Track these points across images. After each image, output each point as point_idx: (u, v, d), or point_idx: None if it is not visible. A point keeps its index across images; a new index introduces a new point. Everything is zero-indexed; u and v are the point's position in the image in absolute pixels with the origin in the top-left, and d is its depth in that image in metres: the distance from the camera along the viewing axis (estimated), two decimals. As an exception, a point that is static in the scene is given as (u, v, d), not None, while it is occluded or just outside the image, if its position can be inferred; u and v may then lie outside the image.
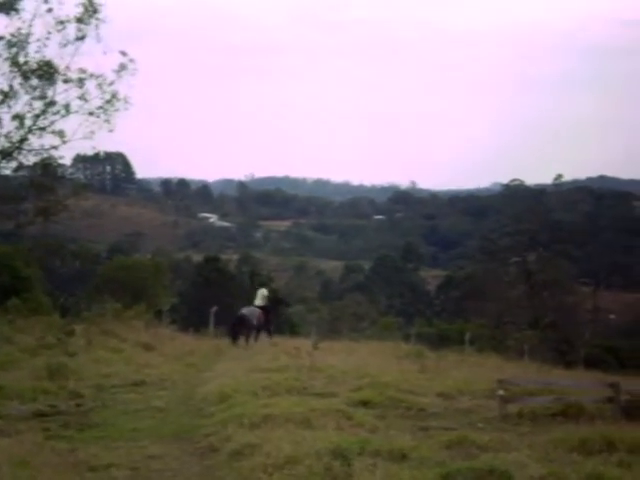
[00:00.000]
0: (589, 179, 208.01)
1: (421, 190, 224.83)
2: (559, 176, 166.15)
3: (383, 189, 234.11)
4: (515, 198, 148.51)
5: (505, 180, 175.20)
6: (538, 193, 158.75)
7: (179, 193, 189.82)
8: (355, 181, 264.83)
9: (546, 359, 38.45)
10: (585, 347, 49.58)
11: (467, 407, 15.33)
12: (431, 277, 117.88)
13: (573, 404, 14.76)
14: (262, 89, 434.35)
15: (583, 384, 17.98)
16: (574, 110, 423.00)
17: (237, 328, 28.48)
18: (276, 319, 33.01)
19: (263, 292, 31.31)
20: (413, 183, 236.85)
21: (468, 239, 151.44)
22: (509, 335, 52.14)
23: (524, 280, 69.04)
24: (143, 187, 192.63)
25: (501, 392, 14.54)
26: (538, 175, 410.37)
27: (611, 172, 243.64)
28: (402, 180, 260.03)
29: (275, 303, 32.63)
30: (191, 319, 37.94)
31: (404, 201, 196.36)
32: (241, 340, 27.86)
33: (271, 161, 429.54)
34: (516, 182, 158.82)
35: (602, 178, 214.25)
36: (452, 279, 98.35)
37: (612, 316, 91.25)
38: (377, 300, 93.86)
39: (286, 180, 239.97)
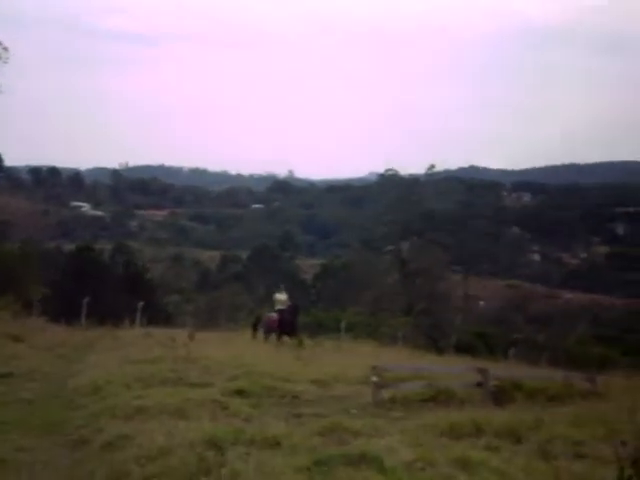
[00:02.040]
0: (460, 169, 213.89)
1: (299, 179, 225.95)
2: (432, 166, 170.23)
3: (261, 178, 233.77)
4: (390, 188, 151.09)
5: (381, 170, 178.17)
6: (412, 183, 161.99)
7: (49, 181, 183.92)
8: (233, 170, 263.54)
9: (419, 345, 39.38)
10: (456, 333, 51.00)
11: (341, 394, 15.49)
12: (308, 266, 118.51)
13: (444, 389, 15.14)
14: (134, 77, 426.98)
15: (453, 370, 18.47)
16: (443, 102, 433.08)
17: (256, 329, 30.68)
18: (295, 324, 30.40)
19: (277, 297, 30.52)
20: (291, 172, 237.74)
21: (345, 228, 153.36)
22: (384, 322, 53.06)
23: (398, 268, 70.41)
24: (11, 175, 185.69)
25: (375, 378, 14.74)
26: (412, 165, 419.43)
27: (481, 162, 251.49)
28: (280, 169, 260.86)
29: (294, 307, 30.53)
30: (63, 310, 36.83)
31: (282, 190, 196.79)
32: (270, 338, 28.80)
33: (146, 150, 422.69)
34: (391, 172, 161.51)
35: (472, 168, 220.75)
36: (329, 268, 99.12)
37: (482, 302, 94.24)
38: (255, 290, 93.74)
39: (162, 169, 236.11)
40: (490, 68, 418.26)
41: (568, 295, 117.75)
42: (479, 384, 15.56)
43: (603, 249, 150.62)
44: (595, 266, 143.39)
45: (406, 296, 63.82)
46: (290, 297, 30.96)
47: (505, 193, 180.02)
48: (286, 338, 28.38)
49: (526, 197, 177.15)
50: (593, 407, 13.18)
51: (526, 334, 61.83)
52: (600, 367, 27.01)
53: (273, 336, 28.60)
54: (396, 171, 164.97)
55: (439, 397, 14.77)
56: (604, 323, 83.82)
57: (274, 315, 29.31)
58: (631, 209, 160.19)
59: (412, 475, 7.72)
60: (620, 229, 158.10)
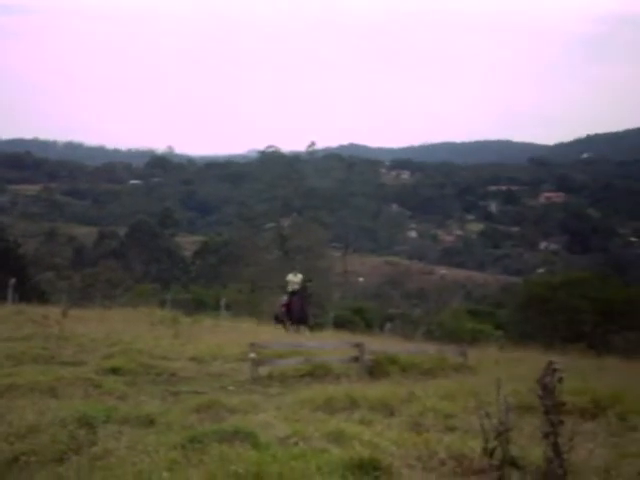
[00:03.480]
0: (341, 147, 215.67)
1: (178, 155, 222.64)
2: (312, 144, 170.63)
3: (140, 153, 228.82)
4: (270, 165, 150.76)
5: (261, 147, 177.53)
6: (293, 160, 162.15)
7: None
8: (110, 145, 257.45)
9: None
10: (335, 309, 51.54)
11: (219, 371, 15.44)
12: (188, 243, 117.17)
13: (321, 365, 15.30)
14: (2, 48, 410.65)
15: (330, 345, 18.65)
16: (324, 81, 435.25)
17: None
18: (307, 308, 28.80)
19: (290, 278, 28.93)
20: (170, 148, 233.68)
21: (225, 205, 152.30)
22: (264, 299, 53.07)
23: (279, 245, 70.48)
24: None
25: (252, 355, 14.76)
26: (293, 142, 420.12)
27: (361, 140, 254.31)
28: (159, 145, 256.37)
29: (305, 289, 28.66)
30: None
31: (161, 166, 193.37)
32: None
33: (18, 123, 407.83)
34: (271, 149, 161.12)
35: (353, 146, 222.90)
36: (209, 245, 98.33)
37: (361, 279, 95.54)
38: (132, 267, 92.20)
39: (35, 142, 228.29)
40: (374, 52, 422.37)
41: (443, 271, 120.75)
42: (355, 359, 15.79)
43: (477, 226, 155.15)
44: (469, 243, 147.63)
45: (287, 273, 64.06)
46: (304, 280, 29.16)
47: (384, 171, 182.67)
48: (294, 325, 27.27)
49: (405, 175, 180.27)
50: (465, 380, 13.52)
51: (402, 309, 63.16)
52: (473, 341, 27.84)
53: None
54: (277, 148, 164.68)
55: (316, 372, 14.92)
56: (477, 298, 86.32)
57: (284, 299, 28.32)
58: (503, 188, 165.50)
59: (286, 450, 7.76)
60: (493, 207, 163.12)
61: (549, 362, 4.60)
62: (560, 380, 4.53)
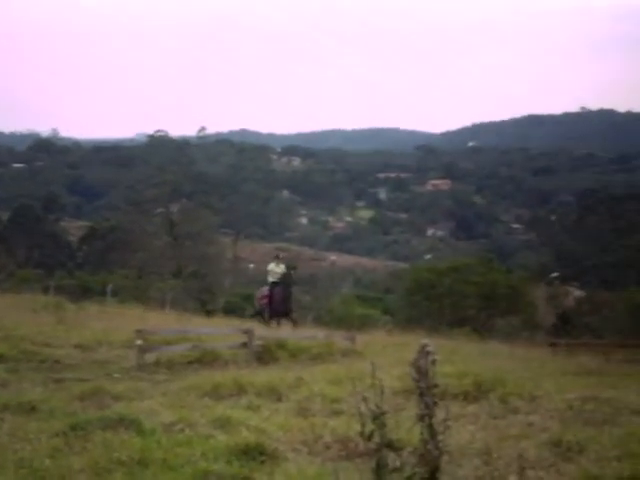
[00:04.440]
0: (231, 132, 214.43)
1: (63, 139, 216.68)
2: (202, 129, 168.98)
3: (22, 136, 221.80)
4: (160, 149, 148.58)
5: (150, 131, 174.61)
6: (182, 145, 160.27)
7: None
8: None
9: (188, 308, 39.27)
10: (225, 295, 51.35)
11: (104, 358, 15.21)
12: (74, 228, 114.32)
13: (209, 351, 15.24)
14: None
15: (219, 331, 18.59)
16: (215, 65, 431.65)
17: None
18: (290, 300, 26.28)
19: (271, 267, 26.66)
20: (55, 131, 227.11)
21: (113, 190, 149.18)
22: (152, 285, 52.42)
23: (168, 231, 69.60)
24: None
25: (139, 342, 14.57)
26: (183, 127, 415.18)
27: (252, 126, 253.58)
28: (43, 128, 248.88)
29: (287, 279, 26.23)
30: None
31: (46, 149, 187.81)
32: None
33: None
34: (161, 133, 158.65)
35: (244, 131, 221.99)
36: (96, 230, 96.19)
37: (251, 265, 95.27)
38: (15, 252, 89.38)
39: None
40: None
41: (333, 257, 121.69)
42: (244, 345, 15.78)
43: (367, 213, 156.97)
44: (359, 229, 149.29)
45: (175, 259, 63.24)
46: (288, 268, 27.00)
47: (275, 157, 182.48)
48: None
49: (295, 161, 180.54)
50: (352, 365, 13.68)
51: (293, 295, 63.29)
52: (362, 326, 28.24)
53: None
54: (166, 132, 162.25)
55: (205, 359, 14.85)
56: (366, 284, 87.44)
57: (265, 290, 26.25)
58: (392, 175, 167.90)
59: (171, 436, 7.71)
60: (382, 194, 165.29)
61: (422, 344, 4.69)
62: (434, 362, 4.62)
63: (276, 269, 26.34)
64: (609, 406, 9.90)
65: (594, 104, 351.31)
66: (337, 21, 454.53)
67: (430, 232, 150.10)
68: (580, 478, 6.58)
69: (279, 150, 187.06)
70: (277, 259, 27.04)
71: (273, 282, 26.03)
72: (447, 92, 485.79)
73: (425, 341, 4.77)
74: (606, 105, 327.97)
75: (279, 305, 25.49)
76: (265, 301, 25.93)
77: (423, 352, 4.65)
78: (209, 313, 38.50)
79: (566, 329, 42.80)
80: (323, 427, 8.48)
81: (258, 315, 26.70)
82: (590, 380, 12.10)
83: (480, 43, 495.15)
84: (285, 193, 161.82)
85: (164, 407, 9.21)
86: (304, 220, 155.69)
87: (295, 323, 25.32)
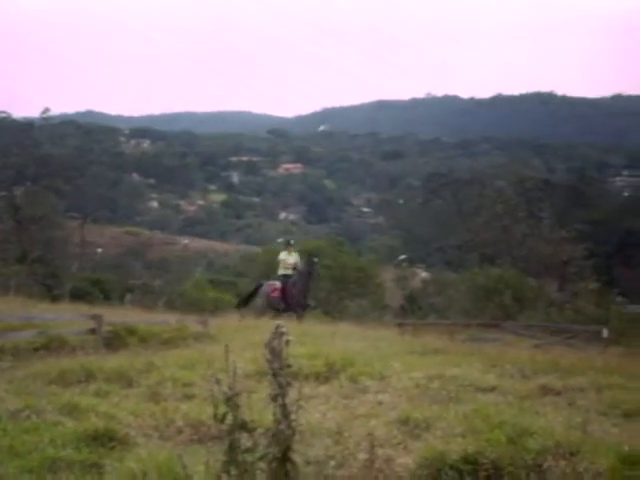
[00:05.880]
0: (77, 113, 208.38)
1: None
2: (46, 109, 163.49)
3: None
4: (1, 131, 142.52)
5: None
6: (26, 127, 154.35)
7: None
8: None
9: (33, 294, 37.98)
10: (72, 280, 50.00)
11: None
12: None
13: (56, 337, 14.80)
14: None
15: (66, 317, 18.08)
16: (58, 46, 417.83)
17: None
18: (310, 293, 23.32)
19: (282, 257, 23.62)
20: None
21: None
22: (-5, 271, 50.43)
23: (12, 215, 67.05)
24: None
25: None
26: (25, 108, 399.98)
27: (99, 107, 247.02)
28: None
29: (308, 270, 23.07)
30: None
31: None
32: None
33: None
34: (3, 115, 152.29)
35: (90, 113, 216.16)
36: None
37: (100, 249, 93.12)
38: None
39: None
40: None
41: (186, 241, 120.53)
42: (92, 331, 15.43)
43: (219, 197, 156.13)
44: (211, 213, 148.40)
45: (20, 244, 61.02)
46: (309, 257, 23.88)
47: (123, 139, 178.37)
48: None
49: (145, 144, 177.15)
50: (205, 349, 13.64)
51: (144, 280, 62.47)
52: (214, 310, 28.14)
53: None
54: (8, 114, 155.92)
55: (51, 345, 14.43)
56: (219, 268, 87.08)
57: (277, 284, 23.29)
58: (245, 158, 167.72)
59: (17, 424, 7.49)
60: (235, 177, 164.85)
61: (276, 325, 4.73)
62: (287, 343, 4.67)
63: (288, 259, 23.51)
64: (454, 384, 10.25)
65: (439, 90, 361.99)
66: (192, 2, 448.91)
67: (282, 216, 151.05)
68: (427, 454, 6.80)
69: (127, 132, 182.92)
70: (288, 247, 24.12)
71: (284, 274, 23.36)
72: (299, 77, 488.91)
73: (279, 322, 4.80)
74: (450, 91, 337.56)
75: (297, 297, 22.75)
76: (277, 294, 23.11)
77: (277, 333, 4.68)
78: (55, 299, 37.38)
79: (413, 310, 44.16)
80: (175, 411, 8.44)
81: (242, 305, 24.34)
82: (436, 359, 12.50)
83: (332, 30, 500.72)
84: (135, 176, 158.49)
85: (10, 394, 8.96)
86: (155, 204, 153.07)
87: (301, 317, 22.48)
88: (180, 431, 7.89)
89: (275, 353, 4.64)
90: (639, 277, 44.04)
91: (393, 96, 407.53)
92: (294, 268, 23.13)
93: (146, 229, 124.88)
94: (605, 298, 36.13)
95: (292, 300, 22.66)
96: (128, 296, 37.71)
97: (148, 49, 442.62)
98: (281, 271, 23.33)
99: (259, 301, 23.79)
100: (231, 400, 4.62)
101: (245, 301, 24.85)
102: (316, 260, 23.39)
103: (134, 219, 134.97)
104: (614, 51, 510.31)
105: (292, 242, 24.43)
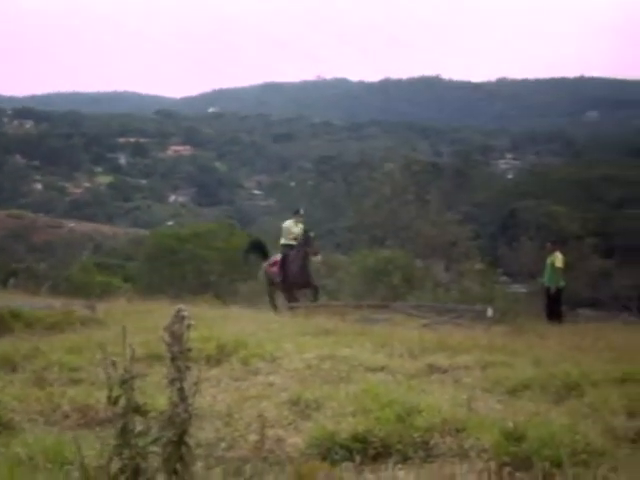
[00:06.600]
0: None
1: None
2: None
3: None
4: None
5: None
6: None
7: None
8: None
9: None
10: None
11: None
12: None
13: None
14: None
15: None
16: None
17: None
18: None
19: (287, 225, 21.21)
20: None
21: None
22: None
23: None
24: None
25: None
26: None
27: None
28: None
29: (307, 241, 20.54)
30: None
31: None
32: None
33: None
34: None
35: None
36: None
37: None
38: None
39: None
40: None
41: (72, 224, 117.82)
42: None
43: (106, 178, 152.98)
44: (98, 195, 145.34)
45: None
46: (305, 230, 21.07)
47: (6, 120, 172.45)
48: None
49: (29, 124, 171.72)
50: (92, 333, 13.38)
51: (28, 264, 60.78)
52: (102, 294, 27.59)
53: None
54: None
55: None
56: (107, 251, 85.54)
57: (277, 256, 21.14)
58: (132, 140, 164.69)
59: None
60: (122, 159, 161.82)
61: (177, 309, 4.69)
62: (189, 327, 4.64)
63: (294, 228, 21.17)
64: (345, 364, 10.35)
65: (329, 73, 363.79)
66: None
67: (172, 198, 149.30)
68: (317, 434, 6.86)
69: (10, 112, 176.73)
70: (297, 216, 21.71)
71: (286, 244, 21.18)
72: (186, 57, 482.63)
73: (180, 306, 4.76)
74: (340, 74, 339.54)
75: (296, 273, 20.68)
76: (275, 269, 21.02)
77: (178, 317, 4.63)
78: None
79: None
80: (61, 396, 8.28)
81: (272, 286, 21.75)
82: (327, 340, 12.58)
83: (224, 14, 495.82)
84: (18, 158, 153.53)
85: None
86: (39, 186, 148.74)
87: (317, 294, 21.14)
88: (67, 416, 7.76)
89: (175, 337, 4.60)
90: (522, 257, 45.39)
91: (283, 78, 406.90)
92: (295, 239, 21.08)
93: (30, 212, 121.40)
94: (490, 278, 37.06)
95: (291, 275, 20.71)
96: (12, 280, 36.54)
97: (30, 25, 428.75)
98: (283, 240, 21.33)
99: (260, 273, 22.67)
100: (126, 383, 4.55)
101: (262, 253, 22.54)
102: (312, 234, 21.01)
103: (17, 201, 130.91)
104: (498, 35, 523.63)
105: (302, 211, 22.09)
